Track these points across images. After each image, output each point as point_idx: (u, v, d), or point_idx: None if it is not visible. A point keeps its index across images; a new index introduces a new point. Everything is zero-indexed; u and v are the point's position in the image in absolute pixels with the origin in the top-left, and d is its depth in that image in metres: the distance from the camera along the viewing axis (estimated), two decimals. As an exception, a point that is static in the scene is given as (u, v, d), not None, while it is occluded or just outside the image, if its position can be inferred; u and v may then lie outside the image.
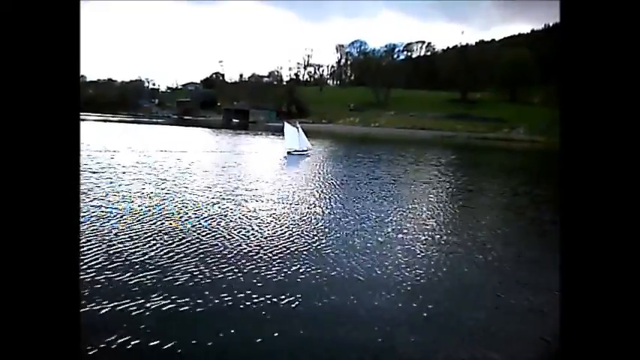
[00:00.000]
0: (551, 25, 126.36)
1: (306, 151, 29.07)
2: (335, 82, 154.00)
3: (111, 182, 14.56)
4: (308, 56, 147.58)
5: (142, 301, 5.94)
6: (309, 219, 11.13)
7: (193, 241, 8.65)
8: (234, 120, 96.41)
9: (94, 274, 6.70)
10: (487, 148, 51.67)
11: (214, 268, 7.30)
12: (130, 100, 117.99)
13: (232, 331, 5.36)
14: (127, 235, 8.77)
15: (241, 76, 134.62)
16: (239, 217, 10.83)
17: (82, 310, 5.20)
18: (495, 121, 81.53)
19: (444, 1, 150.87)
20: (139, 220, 9.99)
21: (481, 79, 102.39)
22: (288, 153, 28.14)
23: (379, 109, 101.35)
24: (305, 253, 8.43)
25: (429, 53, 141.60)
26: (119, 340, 4.94)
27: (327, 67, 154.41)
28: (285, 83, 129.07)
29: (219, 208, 11.77)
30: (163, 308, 5.83)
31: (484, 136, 71.56)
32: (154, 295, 6.13)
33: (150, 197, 12.72)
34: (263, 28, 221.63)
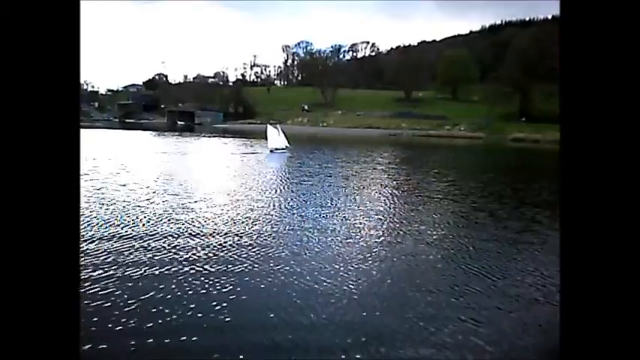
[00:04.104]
0: (487, 26, 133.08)
1: (285, 149, 32.65)
2: (282, 83, 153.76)
3: None
4: (254, 56, 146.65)
5: None
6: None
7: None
8: (179, 122, 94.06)
9: None
10: (430, 145, 53.33)
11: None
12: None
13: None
14: None
15: (185, 77, 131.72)
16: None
17: None
18: (438, 119, 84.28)
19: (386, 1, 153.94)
20: None
21: (423, 79, 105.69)
22: (271, 151, 31.83)
23: (327, 109, 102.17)
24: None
25: (373, 53, 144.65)
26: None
27: (274, 67, 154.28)
28: (231, 84, 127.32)
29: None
30: None
31: (428, 133, 73.87)
32: None
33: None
34: (207, 27, 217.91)
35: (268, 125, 34.60)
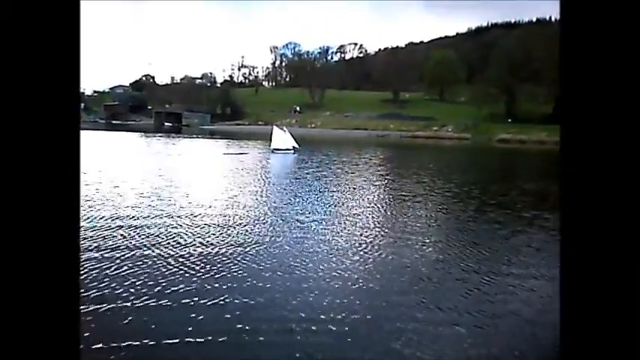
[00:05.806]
0: (474, 27, 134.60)
1: (290, 149, 33.71)
2: (270, 84, 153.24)
3: None
4: (242, 57, 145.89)
5: None
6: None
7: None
8: (166, 123, 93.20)
9: None
10: (416, 146, 53.57)
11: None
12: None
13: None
14: None
15: (173, 78, 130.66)
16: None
17: None
18: (425, 120, 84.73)
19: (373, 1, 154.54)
20: None
21: (411, 80, 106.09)
22: (273, 151, 33.29)
23: (315, 110, 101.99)
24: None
25: (361, 55, 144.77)
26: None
27: (262, 68, 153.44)
28: (219, 85, 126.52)
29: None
30: None
31: (415, 134, 74.21)
32: None
33: None
34: (194, 28, 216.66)
35: (274, 126, 36.15)
